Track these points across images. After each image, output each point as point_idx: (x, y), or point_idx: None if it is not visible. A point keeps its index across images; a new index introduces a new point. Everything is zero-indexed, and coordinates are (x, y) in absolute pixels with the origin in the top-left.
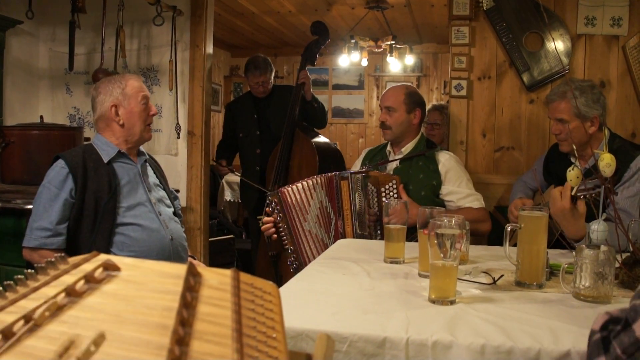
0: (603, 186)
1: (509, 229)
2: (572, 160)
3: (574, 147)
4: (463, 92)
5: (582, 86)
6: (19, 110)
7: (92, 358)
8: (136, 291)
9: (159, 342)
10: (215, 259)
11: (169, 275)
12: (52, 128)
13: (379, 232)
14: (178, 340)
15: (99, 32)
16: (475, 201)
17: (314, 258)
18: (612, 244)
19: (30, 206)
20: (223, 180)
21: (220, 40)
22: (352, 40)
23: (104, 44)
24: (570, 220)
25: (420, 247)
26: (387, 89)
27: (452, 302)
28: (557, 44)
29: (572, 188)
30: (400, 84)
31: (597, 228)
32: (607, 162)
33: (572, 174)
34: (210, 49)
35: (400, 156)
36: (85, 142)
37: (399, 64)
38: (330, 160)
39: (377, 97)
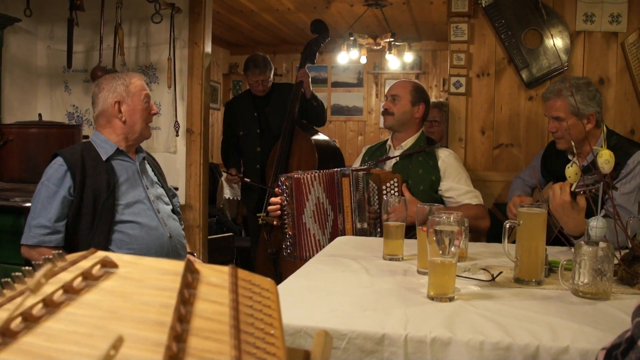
0: (602, 182)
1: (507, 225)
2: (570, 157)
3: (572, 144)
4: (462, 89)
5: (577, 84)
6: (17, 108)
7: None
8: (134, 288)
9: (157, 338)
10: (215, 257)
11: (166, 272)
12: (51, 126)
13: (378, 229)
14: (176, 337)
15: (98, 30)
16: (474, 198)
17: (308, 251)
18: (610, 241)
19: (28, 204)
20: (222, 178)
21: (219, 38)
22: (351, 38)
23: (103, 41)
24: (571, 214)
25: (419, 244)
26: (388, 85)
27: (451, 299)
28: (556, 41)
29: (571, 184)
30: (409, 79)
31: (596, 224)
32: (605, 158)
33: (571, 170)
34: (208, 47)
35: (400, 151)
36: (84, 140)
37: (398, 61)
38: (330, 158)
39: (376, 94)
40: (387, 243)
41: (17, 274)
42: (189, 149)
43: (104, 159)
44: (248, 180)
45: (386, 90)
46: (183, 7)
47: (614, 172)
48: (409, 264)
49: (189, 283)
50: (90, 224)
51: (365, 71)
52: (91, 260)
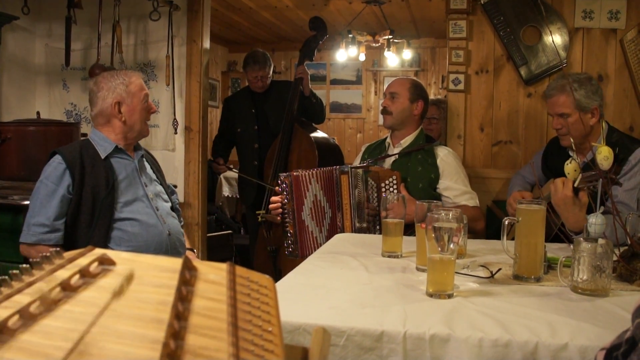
0: (600, 179)
1: (506, 222)
2: (571, 154)
3: (572, 140)
4: (461, 86)
5: (579, 78)
6: (15, 106)
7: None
8: (131, 285)
9: (154, 336)
10: (214, 255)
11: (164, 269)
12: (49, 124)
13: (377, 226)
14: (173, 334)
15: (96, 28)
16: (471, 200)
17: (308, 249)
18: (610, 237)
19: (27, 202)
20: (221, 176)
21: (217, 35)
22: (350, 35)
23: (101, 39)
24: (572, 210)
25: (417, 241)
26: (387, 83)
27: (450, 296)
28: (555, 38)
29: (574, 180)
30: (407, 76)
31: (595, 221)
32: (604, 155)
33: (570, 167)
34: (207, 44)
35: (399, 149)
36: (82, 138)
37: (397, 58)
38: (330, 155)
39: (375, 92)
40: (385, 240)
41: (14, 271)
42: (188, 147)
43: (102, 157)
44: (236, 171)
45: (385, 88)
46: (181, 4)
47: (617, 169)
48: (407, 261)
49: (187, 280)
50: (89, 221)
51: (364, 68)
52: (89, 257)
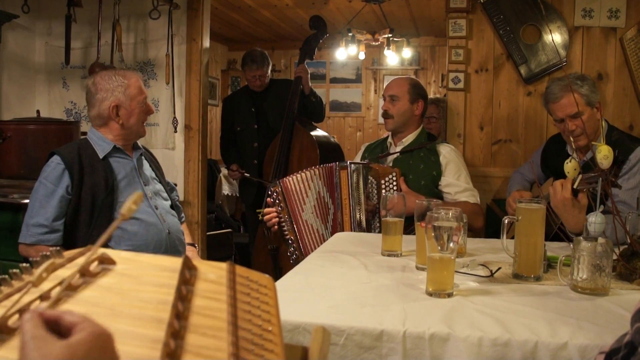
0: (600, 178)
1: (506, 221)
2: (570, 152)
3: (571, 139)
4: (460, 85)
5: (578, 76)
6: (15, 104)
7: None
8: (131, 285)
9: (155, 335)
10: (213, 253)
11: (164, 269)
12: (49, 122)
13: (377, 224)
14: (173, 334)
15: (95, 26)
16: (472, 197)
17: (313, 249)
18: (609, 237)
19: (26, 200)
20: (221, 174)
21: (217, 34)
22: (350, 34)
23: (101, 38)
24: (572, 211)
25: (417, 240)
26: (387, 81)
27: (450, 295)
28: (555, 37)
29: (573, 182)
30: (405, 75)
31: (595, 220)
32: (604, 154)
33: (570, 166)
34: (207, 43)
35: (400, 147)
36: (81, 137)
37: (397, 57)
38: (331, 154)
39: (375, 90)
40: (385, 239)
41: (14, 270)
42: (188, 145)
43: (101, 157)
44: (248, 175)
45: (384, 87)
46: (181, 3)
47: (617, 169)
48: (407, 260)
49: (187, 280)
50: (89, 221)
51: (364, 67)
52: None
